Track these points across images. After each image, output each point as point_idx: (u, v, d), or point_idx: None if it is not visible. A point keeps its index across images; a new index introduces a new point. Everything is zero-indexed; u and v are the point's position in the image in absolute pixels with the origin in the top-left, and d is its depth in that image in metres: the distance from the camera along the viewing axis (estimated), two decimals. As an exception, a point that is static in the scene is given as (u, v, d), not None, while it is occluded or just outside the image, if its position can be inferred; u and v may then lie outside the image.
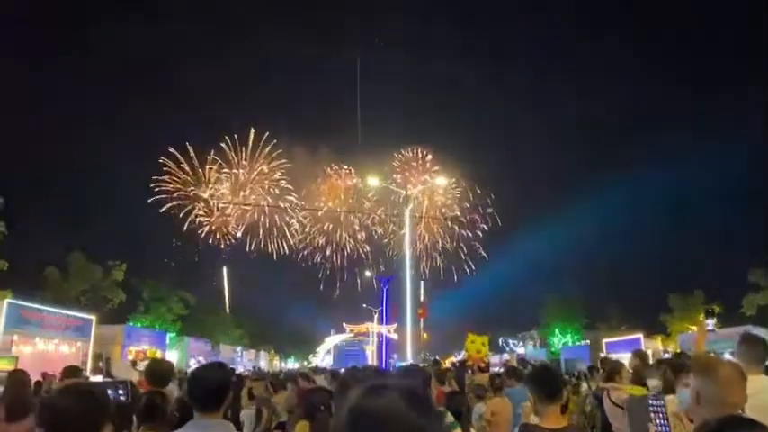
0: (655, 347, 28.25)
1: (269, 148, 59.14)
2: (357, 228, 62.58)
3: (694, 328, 29.15)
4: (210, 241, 58.78)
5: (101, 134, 56.43)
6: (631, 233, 54.87)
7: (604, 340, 32.52)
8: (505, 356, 35.43)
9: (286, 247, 60.83)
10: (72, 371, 6.99)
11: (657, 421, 2.60)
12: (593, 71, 65.61)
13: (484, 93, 65.23)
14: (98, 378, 11.08)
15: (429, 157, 59.70)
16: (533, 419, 5.19)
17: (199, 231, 59.03)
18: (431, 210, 59.52)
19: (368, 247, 62.39)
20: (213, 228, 59.49)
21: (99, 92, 57.85)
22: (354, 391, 1.15)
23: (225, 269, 57.77)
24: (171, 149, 57.24)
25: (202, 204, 58.50)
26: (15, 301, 17.92)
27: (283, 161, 58.52)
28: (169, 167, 57.33)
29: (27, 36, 54.29)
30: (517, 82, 67.10)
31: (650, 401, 2.67)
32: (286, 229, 60.34)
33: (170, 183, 57.46)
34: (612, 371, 6.95)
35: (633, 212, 57.15)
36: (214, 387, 3.26)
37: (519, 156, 61.46)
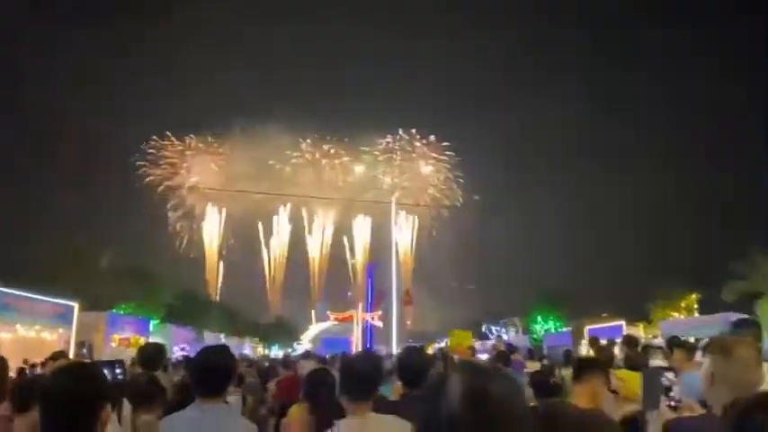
0: (637, 334, 28.51)
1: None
2: (342, 215, 62.68)
3: (676, 314, 29.56)
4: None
5: (82, 119, 55.39)
6: (614, 221, 55.32)
7: (587, 327, 32.75)
8: (492, 342, 35.62)
9: (275, 246, 60.94)
10: (59, 356, 6.84)
11: (671, 394, 2.59)
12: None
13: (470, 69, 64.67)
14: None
15: (417, 142, 59.94)
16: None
17: (181, 219, 58.85)
18: (417, 197, 59.65)
19: (353, 235, 62.56)
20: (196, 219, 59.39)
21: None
22: (459, 373, 1.11)
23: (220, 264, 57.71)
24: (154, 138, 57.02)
25: (188, 194, 58.38)
26: (-4, 288, 17.61)
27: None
28: (154, 154, 57.04)
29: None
30: (515, 65, 66.03)
31: (665, 374, 2.65)
32: (275, 222, 60.31)
33: (156, 171, 57.20)
34: (608, 356, 6.98)
35: (616, 201, 57.67)
36: (217, 372, 3.18)
37: (504, 143, 61.32)
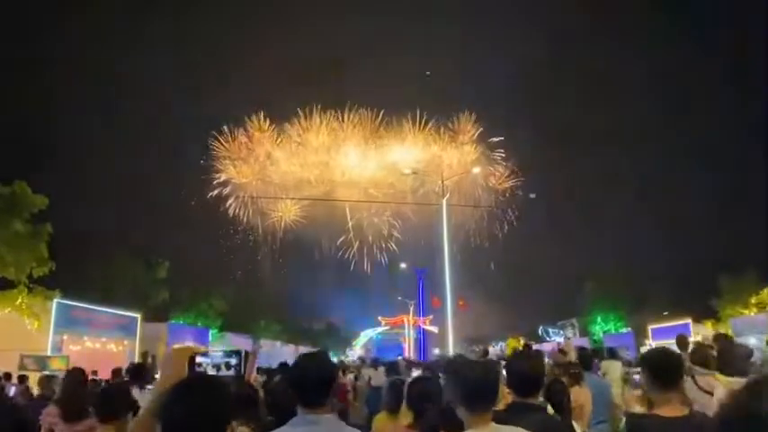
0: (704, 333, 27.26)
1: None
2: (390, 219, 62.42)
3: (746, 311, 28.13)
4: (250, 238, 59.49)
5: (138, 129, 56.99)
6: (676, 213, 53.24)
7: (650, 327, 31.57)
8: (551, 345, 34.75)
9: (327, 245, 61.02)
10: (138, 370, 6.83)
11: None
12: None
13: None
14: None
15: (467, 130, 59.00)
16: (637, 408, 4.81)
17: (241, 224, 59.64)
18: (465, 195, 58.70)
19: (400, 238, 62.15)
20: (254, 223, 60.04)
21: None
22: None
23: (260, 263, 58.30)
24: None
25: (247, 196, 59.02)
26: (64, 301, 18.07)
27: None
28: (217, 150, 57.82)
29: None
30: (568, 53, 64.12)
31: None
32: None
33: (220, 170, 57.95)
34: (703, 357, 6.53)
35: (674, 191, 55.68)
36: (321, 379, 2.99)
37: (558, 138, 59.82)
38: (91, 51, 55.91)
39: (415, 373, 9.74)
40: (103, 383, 12.83)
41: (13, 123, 42.37)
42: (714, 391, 6.11)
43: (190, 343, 26.06)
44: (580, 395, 6.41)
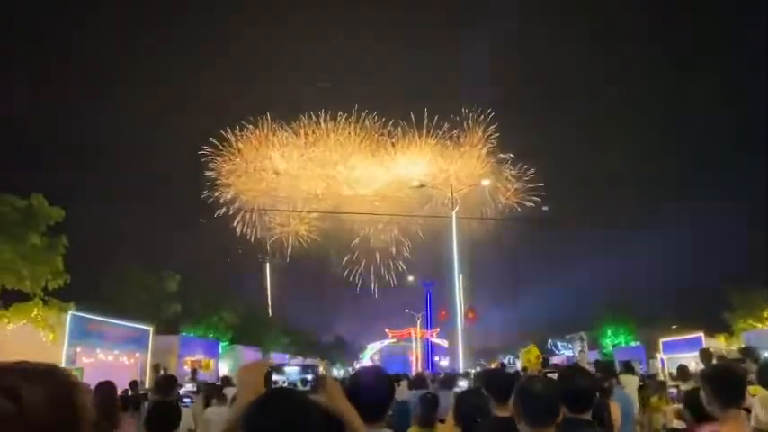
0: (717, 347, 27.01)
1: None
2: (399, 236, 62.22)
3: (759, 325, 27.90)
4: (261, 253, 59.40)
5: (145, 141, 57.26)
6: (685, 224, 52.98)
7: (661, 340, 31.25)
8: (562, 358, 34.60)
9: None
10: (168, 382, 6.81)
11: None
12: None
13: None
14: (189, 386, 10.79)
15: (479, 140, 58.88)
16: (676, 423, 4.80)
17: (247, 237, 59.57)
18: (473, 209, 58.46)
19: (408, 255, 61.88)
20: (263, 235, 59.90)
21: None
22: None
23: (268, 277, 58.22)
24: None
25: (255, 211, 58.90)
26: (78, 314, 18.06)
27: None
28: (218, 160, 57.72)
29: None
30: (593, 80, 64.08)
31: None
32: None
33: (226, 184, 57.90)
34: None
35: (683, 203, 55.45)
36: (380, 394, 2.98)
37: (570, 152, 59.75)
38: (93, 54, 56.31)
39: (462, 383, 9.67)
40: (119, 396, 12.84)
41: (27, 134, 42.74)
42: (751, 406, 6.08)
43: (200, 356, 26.04)
44: (612, 410, 6.38)
